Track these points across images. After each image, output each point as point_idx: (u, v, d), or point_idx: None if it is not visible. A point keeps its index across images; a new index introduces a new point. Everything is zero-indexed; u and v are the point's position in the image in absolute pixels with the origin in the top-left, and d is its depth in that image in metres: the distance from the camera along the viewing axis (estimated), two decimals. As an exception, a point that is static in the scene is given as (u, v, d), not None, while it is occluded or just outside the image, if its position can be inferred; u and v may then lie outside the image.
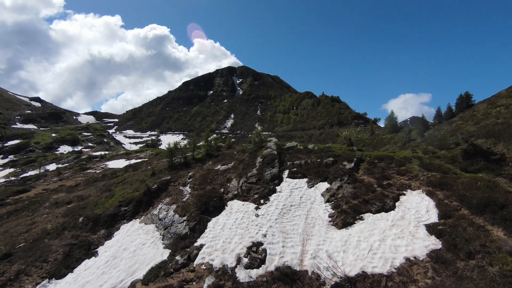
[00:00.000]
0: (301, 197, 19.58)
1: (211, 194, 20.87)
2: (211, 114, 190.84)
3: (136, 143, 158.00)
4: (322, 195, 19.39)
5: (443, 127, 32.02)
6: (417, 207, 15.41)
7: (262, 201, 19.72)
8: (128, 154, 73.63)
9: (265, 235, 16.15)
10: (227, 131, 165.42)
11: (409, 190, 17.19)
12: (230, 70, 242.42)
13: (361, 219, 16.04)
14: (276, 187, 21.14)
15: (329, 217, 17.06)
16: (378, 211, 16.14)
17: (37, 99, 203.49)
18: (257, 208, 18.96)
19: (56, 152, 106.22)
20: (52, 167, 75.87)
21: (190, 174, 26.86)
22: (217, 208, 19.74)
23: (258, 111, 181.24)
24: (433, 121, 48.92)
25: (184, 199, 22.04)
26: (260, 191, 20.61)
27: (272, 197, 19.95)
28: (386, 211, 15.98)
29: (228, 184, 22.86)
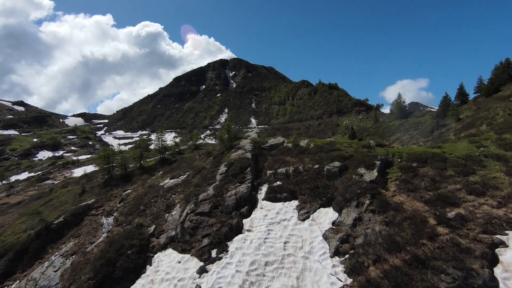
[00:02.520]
0: (285, 243, 10.47)
1: (127, 242, 11.75)
2: (204, 110, 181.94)
3: (125, 144, 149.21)
4: (326, 237, 10.28)
5: (491, 105, 22.73)
6: None
7: (214, 252, 10.63)
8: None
9: None
10: (221, 127, 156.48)
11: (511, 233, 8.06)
12: (222, 63, 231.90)
13: (419, 313, 6.95)
14: (243, 221, 12.02)
15: (343, 297, 7.99)
16: (456, 293, 7.03)
17: (21, 103, 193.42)
18: (202, 272, 9.88)
19: (34, 159, 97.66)
20: (23, 176, 67.44)
21: (125, 193, 17.81)
22: (131, 270, 10.65)
23: (253, 104, 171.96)
24: (456, 101, 39.29)
25: (93, 245, 12.98)
26: (213, 232, 11.49)
27: (234, 244, 10.85)
28: (478, 295, 6.88)
29: (167, 214, 13.74)
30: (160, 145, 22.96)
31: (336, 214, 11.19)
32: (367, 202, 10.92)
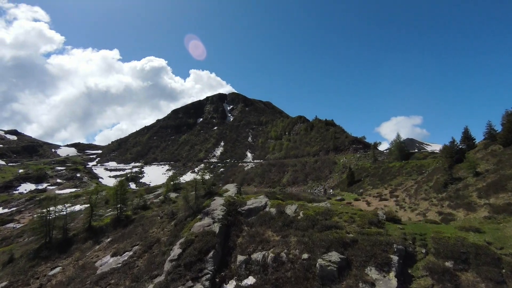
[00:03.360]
0: None
1: None
2: (200, 143, 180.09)
3: (116, 176, 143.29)
4: None
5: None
6: None
7: None
8: (77, 197, 59.67)
9: None
10: (216, 160, 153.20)
11: None
12: (220, 97, 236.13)
13: None
14: None
15: None
16: None
17: (14, 132, 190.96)
18: None
19: (14, 192, 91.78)
20: (-4, 212, 61.53)
21: (50, 274, 13.14)
22: None
23: (249, 138, 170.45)
24: (461, 145, 35.47)
25: None
26: None
27: None
28: None
29: (77, 335, 9.07)
30: (118, 198, 18.47)
31: None
32: None
